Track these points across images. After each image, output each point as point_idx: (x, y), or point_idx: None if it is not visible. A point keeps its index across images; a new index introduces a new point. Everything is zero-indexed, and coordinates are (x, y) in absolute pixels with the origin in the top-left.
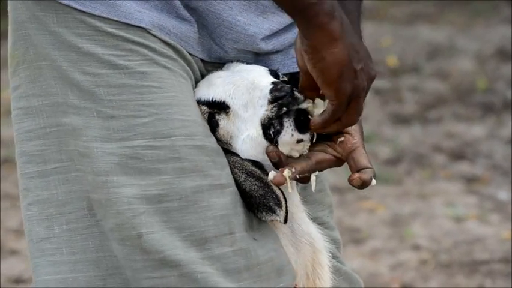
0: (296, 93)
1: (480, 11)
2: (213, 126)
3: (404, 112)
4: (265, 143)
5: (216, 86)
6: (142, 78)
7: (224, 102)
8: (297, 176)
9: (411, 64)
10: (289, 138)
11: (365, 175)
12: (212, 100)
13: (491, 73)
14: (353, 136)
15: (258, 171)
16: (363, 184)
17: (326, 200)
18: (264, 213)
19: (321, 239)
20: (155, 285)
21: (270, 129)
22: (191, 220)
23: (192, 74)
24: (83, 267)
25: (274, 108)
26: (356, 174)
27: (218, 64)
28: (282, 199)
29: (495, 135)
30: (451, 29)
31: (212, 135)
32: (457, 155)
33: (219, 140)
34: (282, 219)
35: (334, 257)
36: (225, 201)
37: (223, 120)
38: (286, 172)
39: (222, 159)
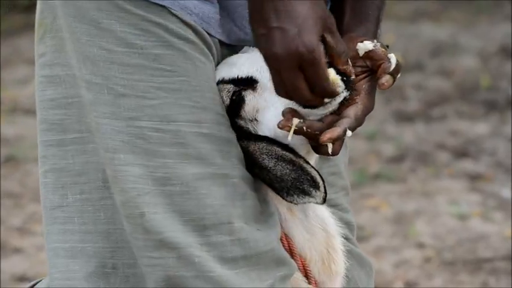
0: None
1: (483, 9)
2: (239, 103)
3: (408, 110)
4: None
5: (241, 65)
6: (155, 60)
7: (251, 78)
8: (304, 129)
9: (415, 62)
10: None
11: (333, 132)
12: (238, 77)
13: (494, 71)
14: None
15: (290, 155)
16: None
17: (339, 182)
18: (295, 196)
19: (334, 224)
20: (153, 265)
21: None
22: (191, 206)
23: (211, 58)
24: (93, 238)
25: None
26: (327, 135)
27: (235, 48)
28: (318, 179)
29: (498, 132)
30: (454, 27)
31: (224, 123)
32: (461, 153)
33: (243, 119)
34: (320, 200)
35: (347, 238)
36: (226, 192)
37: (249, 95)
38: (295, 120)
39: (231, 148)
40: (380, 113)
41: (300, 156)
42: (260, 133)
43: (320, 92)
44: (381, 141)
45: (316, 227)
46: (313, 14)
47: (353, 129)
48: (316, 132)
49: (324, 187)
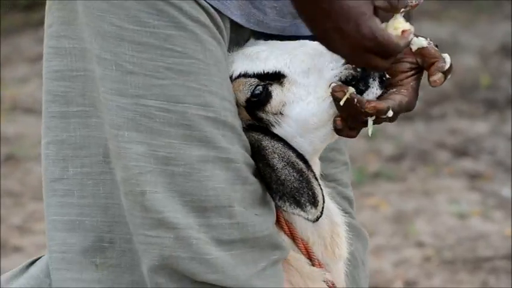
0: None
1: (483, 8)
2: (265, 99)
3: None
4: (332, 104)
5: (265, 58)
6: (166, 40)
7: (279, 72)
8: (355, 101)
9: None
10: (371, 97)
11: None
12: (264, 72)
13: (494, 70)
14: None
15: (302, 165)
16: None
17: (338, 157)
18: (287, 204)
19: (339, 214)
20: (149, 243)
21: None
22: (193, 187)
23: (223, 42)
24: (91, 212)
25: (359, 69)
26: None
27: (241, 32)
28: (320, 198)
29: (498, 131)
30: (454, 26)
31: (230, 109)
32: (460, 152)
33: (265, 112)
34: (313, 217)
35: (346, 212)
36: (228, 176)
37: (276, 90)
38: (351, 89)
39: (235, 135)
40: None
41: (312, 170)
42: (284, 125)
43: (396, 54)
44: (381, 140)
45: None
46: (358, 1)
47: (394, 111)
48: (362, 108)
49: (323, 207)
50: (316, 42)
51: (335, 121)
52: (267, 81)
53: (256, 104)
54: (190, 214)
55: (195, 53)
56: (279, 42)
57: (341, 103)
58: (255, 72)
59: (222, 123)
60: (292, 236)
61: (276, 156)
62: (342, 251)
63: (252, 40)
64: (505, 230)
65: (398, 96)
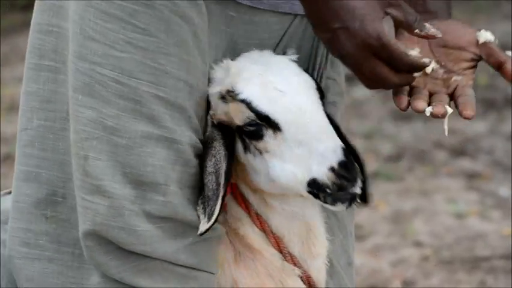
0: (356, 173)
1: (482, 8)
2: (255, 135)
3: None
4: (305, 189)
5: (276, 102)
6: (131, 15)
7: (277, 125)
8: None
9: None
10: (330, 208)
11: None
12: (266, 116)
13: (492, 69)
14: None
15: (223, 182)
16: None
17: (335, 88)
18: (199, 202)
19: (316, 216)
20: (84, 207)
21: (320, 193)
22: (133, 161)
23: (195, 21)
24: (49, 166)
25: (337, 183)
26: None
27: (248, 8)
28: (214, 217)
29: (496, 131)
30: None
31: (183, 90)
32: (458, 152)
33: (250, 141)
34: (202, 228)
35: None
36: (170, 155)
37: (269, 137)
38: (447, 109)
39: (184, 116)
40: (377, 111)
41: (225, 192)
42: (257, 160)
43: (406, 69)
44: (379, 140)
45: (295, 217)
46: (369, 1)
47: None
48: None
49: (210, 228)
50: (312, 97)
51: None
52: (264, 123)
53: (245, 132)
54: (127, 185)
55: (157, 31)
56: (302, 84)
57: (446, 133)
58: (258, 110)
59: (171, 104)
60: (264, 231)
61: (213, 160)
62: (320, 250)
63: (279, 58)
64: (503, 229)
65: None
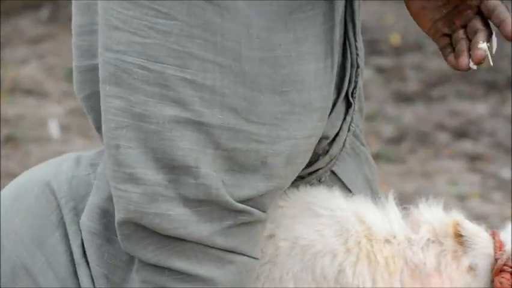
0: None
1: None
2: None
3: (407, 90)
4: None
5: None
6: (153, 0)
7: None
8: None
9: (414, 42)
10: None
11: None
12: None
13: (494, 51)
14: None
15: None
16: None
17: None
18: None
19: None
20: (118, 196)
21: None
22: (164, 146)
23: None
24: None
25: None
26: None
27: None
28: None
29: (498, 113)
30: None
31: (211, 71)
32: (460, 133)
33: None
34: None
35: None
36: (199, 138)
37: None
38: (484, 47)
39: (215, 98)
40: (379, 93)
41: None
42: None
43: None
44: (381, 121)
45: None
46: None
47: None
48: None
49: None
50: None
51: None
52: None
53: None
54: (160, 171)
55: (180, 14)
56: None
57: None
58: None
59: (199, 85)
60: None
61: None
62: None
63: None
64: (505, 211)
65: None
